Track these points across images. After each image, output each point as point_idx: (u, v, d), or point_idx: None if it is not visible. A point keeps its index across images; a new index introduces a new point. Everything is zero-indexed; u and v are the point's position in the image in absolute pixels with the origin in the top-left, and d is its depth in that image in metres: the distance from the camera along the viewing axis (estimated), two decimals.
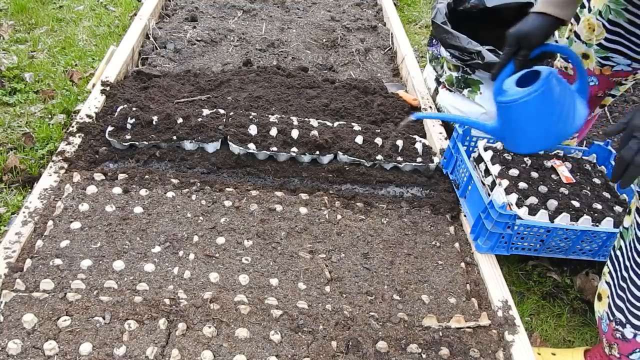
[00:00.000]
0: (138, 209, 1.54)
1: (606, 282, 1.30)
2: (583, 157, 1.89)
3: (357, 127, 1.95)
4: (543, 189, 1.68)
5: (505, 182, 1.65)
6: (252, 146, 1.77)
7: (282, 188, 1.73)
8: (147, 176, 1.66)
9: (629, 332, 1.24)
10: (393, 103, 2.20)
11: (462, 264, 1.56)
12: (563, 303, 1.69)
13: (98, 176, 1.63)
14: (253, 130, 1.82)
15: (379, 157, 1.84)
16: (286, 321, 1.29)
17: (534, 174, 1.73)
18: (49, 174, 1.62)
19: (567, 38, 1.66)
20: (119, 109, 1.84)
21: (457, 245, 1.62)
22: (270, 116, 1.91)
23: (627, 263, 1.22)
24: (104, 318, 1.22)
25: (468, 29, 2.12)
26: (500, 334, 1.36)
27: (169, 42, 2.45)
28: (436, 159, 1.90)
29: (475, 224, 1.61)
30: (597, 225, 1.57)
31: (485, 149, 1.79)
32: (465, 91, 2.14)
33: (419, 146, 1.92)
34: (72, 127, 1.81)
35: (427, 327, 1.34)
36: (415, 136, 1.99)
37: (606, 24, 1.49)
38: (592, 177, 1.80)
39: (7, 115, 2.04)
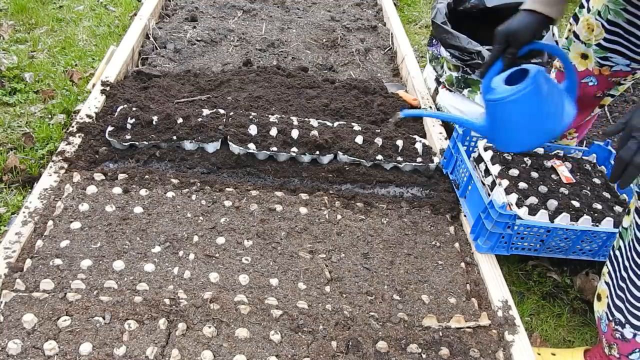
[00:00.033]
0: (138, 209, 1.54)
1: (605, 282, 1.30)
2: (583, 157, 1.89)
3: (357, 127, 1.95)
4: (543, 189, 1.68)
5: (505, 182, 1.65)
6: (252, 146, 1.77)
7: (282, 188, 1.73)
8: (147, 176, 1.66)
9: (628, 332, 1.24)
10: (393, 103, 2.20)
11: (462, 264, 1.56)
12: (563, 303, 1.70)
13: (98, 176, 1.63)
14: (253, 130, 1.82)
15: (379, 157, 1.84)
16: (286, 321, 1.29)
17: (534, 174, 1.73)
18: (49, 174, 1.62)
19: (566, 38, 1.66)
20: (119, 109, 1.84)
21: (457, 245, 1.63)
22: (270, 116, 1.91)
23: (626, 263, 1.22)
24: (104, 318, 1.22)
25: (468, 29, 2.12)
26: (500, 334, 1.37)
27: (169, 42, 2.45)
28: (436, 159, 1.90)
29: (475, 224, 1.61)
30: (597, 225, 1.57)
31: (485, 149, 1.79)
32: (465, 91, 2.15)
33: (419, 146, 1.92)
34: (72, 127, 1.81)
35: (427, 327, 1.34)
36: (415, 136, 1.99)
37: (605, 24, 1.49)
38: (592, 177, 1.80)
39: (7, 115, 2.05)
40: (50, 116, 2.07)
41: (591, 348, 1.46)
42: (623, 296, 1.23)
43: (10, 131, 1.97)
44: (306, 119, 1.94)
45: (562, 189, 1.70)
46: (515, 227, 1.51)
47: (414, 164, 1.85)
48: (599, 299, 1.33)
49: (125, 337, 1.20)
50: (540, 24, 1.28)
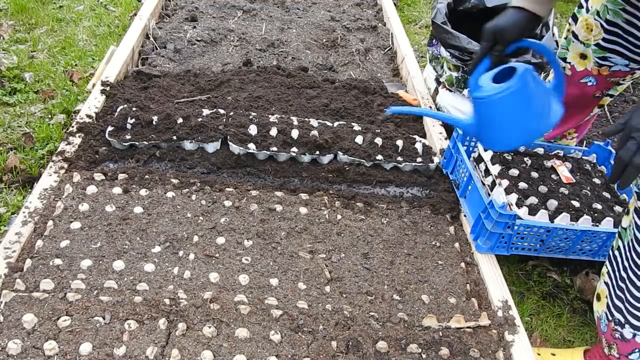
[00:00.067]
0: (138, 209, 1.54)
1: (605, 282, 1.30)
2: (583, 157, 1.89)
3: (357, 127, 1.95)
4: (543, 189, 1.68)
5: (505, 182, 1.65)
6: (252, 146, 1.77)
7: (282, 188, 1.73)
8: (147, 176, 1.66)
9: (628, 332, 1.24)
10: (393, 103, 2.21)
11: (462, 264, 1.56)
12: (563, 303, 1.70)
13: (98, 176, 1.63)
14: (253, 130, 1.82)
15: (379, 157, 1.84)
16: (286, 321, 1.29)
17: (534, 174, 1.74)
18: (49, 174, 1.62)
19: (565, 38, 1.66)
20: (119, 109, 1.84)
21: (457, 245, 1.63)
22: (270, 116, 1.92)
23: (626, 263, 1.22)
24: (104, 318, 1.23)
25: (468, 29, 2.12)
26: (500, 334, 1.37)
27: (169, 42, 2.45)
28: (436, 159, 1.90)
29: (475, 224, 1.61)
30: (597, 225, 1.57)
31: (485, 149, 1.79)
32: (465, 91, 2.15)
33: (419, 146, 1.92)
34: (72, 127, 1.81)
35: (427, 327, 1.34)
36: (415, 136, 1.99)
37: (604, 24, 1.50)
38: (592, 177, 1.80)
39: (7, 115, 2.05)
40: (50, 116, 2.07)
41: (591, 348, 1.46)
42: (622, 296, 1.24)
43: (10, 131, 1.97)
44: (306, 119, 1.94)
45: (562, 189, 1.70)
46: (515, 227, 1.51)
47: (414, 164, 1.85)
48: (599, 299, 1.33)
49: (125, 337, 1.20)
50: (529, 21, 1.27)
